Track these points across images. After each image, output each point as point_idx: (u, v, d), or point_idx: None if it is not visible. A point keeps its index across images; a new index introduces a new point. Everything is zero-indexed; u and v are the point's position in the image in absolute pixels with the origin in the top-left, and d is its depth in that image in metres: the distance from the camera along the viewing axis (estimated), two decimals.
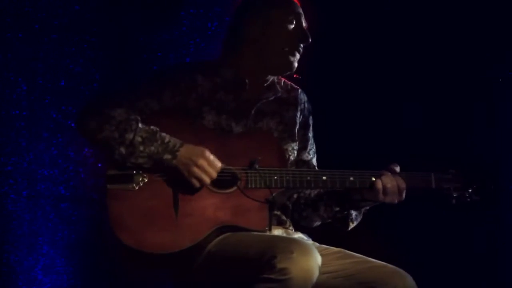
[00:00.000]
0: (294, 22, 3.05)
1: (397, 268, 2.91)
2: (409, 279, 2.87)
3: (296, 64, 3.07)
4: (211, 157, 2.84)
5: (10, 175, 4.14)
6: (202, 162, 2.81)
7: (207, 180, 2.82)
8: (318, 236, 3.04)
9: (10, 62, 4.12)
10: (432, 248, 4.40)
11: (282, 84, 3.19)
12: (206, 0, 4.54)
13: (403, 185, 3.01)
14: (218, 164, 2.85)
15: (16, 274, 4.10)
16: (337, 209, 3.13)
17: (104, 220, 3.83)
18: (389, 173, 3.02)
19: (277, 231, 3.02)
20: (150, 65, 4.38)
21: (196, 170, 2.81)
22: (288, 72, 3.10)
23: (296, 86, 3.25)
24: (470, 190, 3.12)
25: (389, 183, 2.99)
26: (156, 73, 3.39)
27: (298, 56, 3.07)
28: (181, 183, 2.83)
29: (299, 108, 3.21)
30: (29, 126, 4.15)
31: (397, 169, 3.05)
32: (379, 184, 2.98)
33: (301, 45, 3.07)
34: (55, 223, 4.18)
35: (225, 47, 3.18)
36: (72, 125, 4.16)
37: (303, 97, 3.24)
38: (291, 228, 3.12)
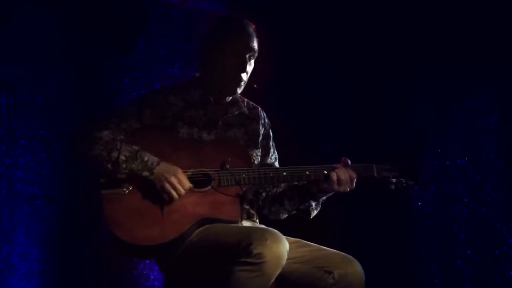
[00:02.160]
0: (243, 52, 3.30)
1: (347, 255, 3.18)
2: (357, 264, 3.14)
3: (238, 90, 3.37)
4: (182, 177, 3.13)
5: None
6: (173, 179, 3.10)
7: (175, 195, 3.10)
8: (277, 227, 3.14)
9: None
10: (374, 239, 4.86)
11: (245, 103, 3.51)
12: (158, 30, 4.92)
13: (354, 175, 3.27)
14: (187, 184, 3.13)
15: None
16: (299, 201, 3.41)
17: (72, 216, 4.25)
18: (342, 166, 3.28)
19: (246, 224, 3.31)
20: (112, 86, 4.76)
21: (167, 186, 3.10)
22: (233, 95, 3.39)
23: (256, 105, 3.57)
24: (406, 176, 3.38)
25: (343, 175, 3.25)
26: (135, 98, 3.74)
27: (241, 82, 3.34)
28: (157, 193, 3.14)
29: (260, 123, 3.52)
30: (8, 134, 4.39)
31: (349, 162, 3.31)
32: (334, 176, 3.24)
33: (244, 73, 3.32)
34: (29, 217, 4.41)
35: (196, 69, 3.50)
36: (46, 135, 4.49)
37: (262, 114, 3.57)
38: (257, 221, 3.42)
